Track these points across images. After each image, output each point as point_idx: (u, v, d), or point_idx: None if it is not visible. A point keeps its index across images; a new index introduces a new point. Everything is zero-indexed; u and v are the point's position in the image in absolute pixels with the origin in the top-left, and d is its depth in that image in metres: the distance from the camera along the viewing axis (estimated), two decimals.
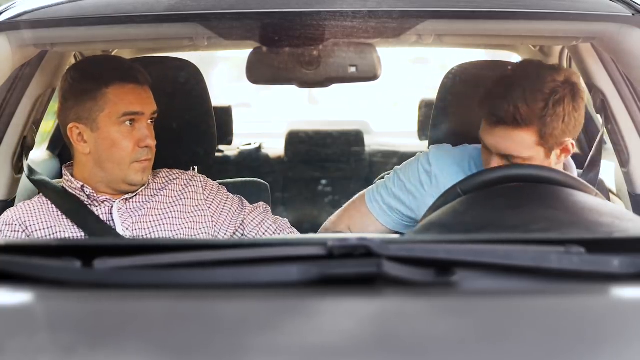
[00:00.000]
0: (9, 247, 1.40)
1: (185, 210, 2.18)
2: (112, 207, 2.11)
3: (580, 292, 1.24)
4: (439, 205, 1.76)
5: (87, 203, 2.11)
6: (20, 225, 2.08)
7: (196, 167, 2.67)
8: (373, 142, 4.15)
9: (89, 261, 1.23)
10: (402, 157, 2.27)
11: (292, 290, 1.19)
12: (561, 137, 2.01)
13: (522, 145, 1.97)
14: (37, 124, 2.41)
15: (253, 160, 3.68)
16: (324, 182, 3.66)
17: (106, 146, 2.08)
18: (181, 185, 2.21)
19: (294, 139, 3.86)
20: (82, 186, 2.11)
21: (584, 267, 1.24)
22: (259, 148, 3.83)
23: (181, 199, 2.19)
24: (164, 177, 2.23)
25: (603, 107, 2.40)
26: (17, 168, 2.33)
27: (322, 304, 1.18)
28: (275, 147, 3.93)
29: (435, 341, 1.08)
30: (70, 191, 2.12)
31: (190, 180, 2.23)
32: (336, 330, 1.09)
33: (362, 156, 3.83)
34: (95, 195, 2.11)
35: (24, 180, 2.45)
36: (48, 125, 3.24)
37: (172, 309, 1.18)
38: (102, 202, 2.12)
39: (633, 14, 1.87)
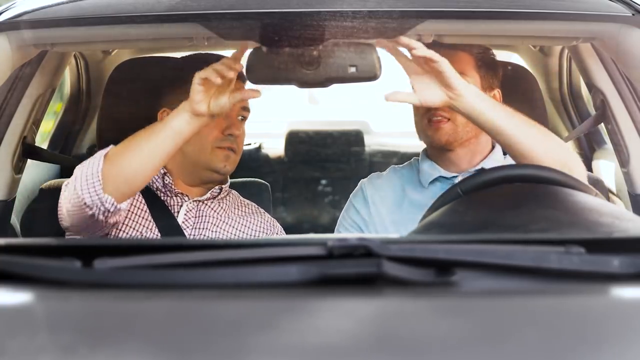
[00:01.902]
0: (9, 247, 1.40)
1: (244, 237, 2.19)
2: (182, 205, 2.12)
3: (580, 292, 1.24)
4: (439, 205, 1.76)
5: (157, 190, 2.10)
6: None
7: None
8: (373, 142, 4.14)
9: (89, 261, 1.23)
10: (402, 157, 2.28)
11: (292, 290, 1.19)
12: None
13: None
14: (37, 124, 2.41)
15: (253, 160, 3.68)
16: (324, 182, 3.66)
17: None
18: (252, 221, 2.22)
19: (294, 139, 3.86)
20: (165, 173, 2.12)
21: (584, 267, 1.24)
22: (259, 148, 3.83)
23: (247, 229, 2.20)
24: (239, 202, 2.23)
25: (603, 107, 2.40)
26: (17, 168, 2.33)
27: (322, 304, 1.18)
28: (275, 147, 3.93)
29: (435, 341, 1.08)
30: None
31: (269, 227, 2.24)
32: (336, 330, 1.09)
33: (362, 156, 3.83)
34: (171, 186, 2.12)
35: (24, 180, 2.45)
36: (48, 125, 3.24)
37: (172, 309, 1.18)
38: (176, 196, 2.12)
39: (633, 14, 1.87)
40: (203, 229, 2.14)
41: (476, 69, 2.16)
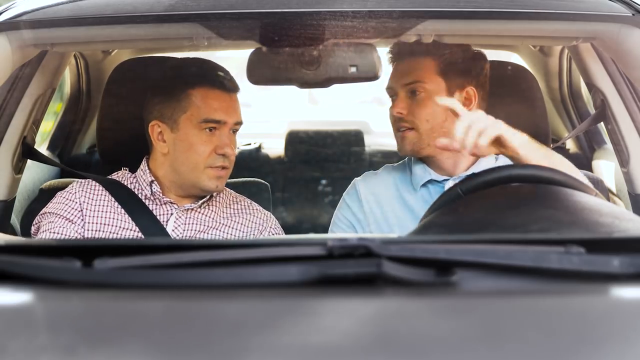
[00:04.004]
0: (9, 247, 1.40)
1: (237, 236, 2.16)
2: (171, 213, 2.10)
3: (580, 292, 1.24)
4: (439, 205, 1.76)
5: (146, 198, 2.09)
6: (78, 205, 2.07)
7: None
8: (373, 142, 4.14)
9: (89, 261, 1.23)
10: (401, 158, 2.27)
11: (292, 290, 1.19)
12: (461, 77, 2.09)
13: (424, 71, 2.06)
14: (37, 124, 2.41)
15: (253, 160, 3.68)
16: (324, 182, 3.66)
17: (183, 148, 2.05)
18: (244, 218, 2.20)
19: (294, 139, 3.86)
20: (152, 182, 2.10)
21: (584, 267, 1.24)
22: (259, 148, 3.82)
23: (238, 230, 2.18)
24: (230, 200, 2.21)
25: (603, 107, 2.40)
26: (17, 168, 2.33)
27: (322, 304, 1.18)
28: (275, 147, 3.93)
29: (435, 341, 1.08)
30: (136, 181, 2.11)
31: (263, 222, 2.22)
32: (336, 330, 1.09)
33: (362, 156, 3.83)
34: (160, 194, 2.09)
35: (24, 180, 2.45)
36: (48, 125, 3.24)
37: (172, 309, 1.18)
38: (164, 204, 2.10)
39: (633, 14, 1.87)
40: (193, 236, 2.11)
41: (439, 74, 2.12)
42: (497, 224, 1.58)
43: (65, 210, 2.08)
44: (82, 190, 2.11)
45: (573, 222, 1.58)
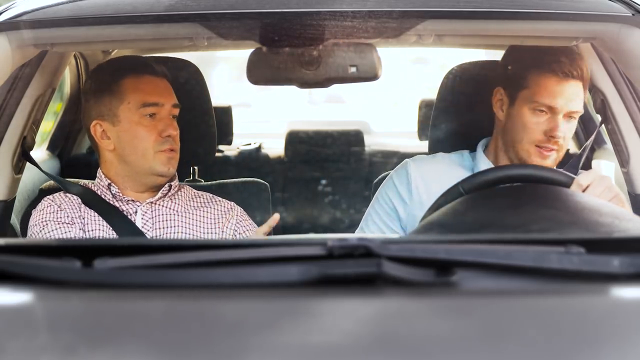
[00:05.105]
0: (9, 247, 1.40)
1: (205, 227, 2.18)
2: (136, 210, 2.12)
3: (580, 292, 1.24)
4: (439, 204, 1.76)
5: (111, 202, 2.12)
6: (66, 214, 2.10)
7: (196, 168, 2.67)
8: (373, 142, 4.14)
9: (89, 261, 1.23)
10: (402, 157, 2.27)
11: (292, 290, 1.19)
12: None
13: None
14: (37, 124, 2.41)
15: (253, 160, 3.68)
16: (324, 182, 3.66)
17: (129, 138, 2.09)
18: (210, 208, 2.21)
19: (294, 139, 3.86)
20: (109, 184, 2.12)
21: (584, 267, 1.24)
22: (258, 148, 3.82)
23: (206, 219, 2.19)
24: (192, 194, 2.23)
25: (603, 107, 2.40)
26: (17, 168, 2.33)
27: (322, 304, 1.18)
28: (275, 147, 3.93)
29: (435, 341, 1.08)
30: (98, 189, 2.14)
31: (228, 211, 2.23)
32: (336, 330, 1.09)
33: (362, 156, 3.83)
34: (120, 195, 2.12)
35: (24, 180, 2.45)
36: (48, 125, 3.24)
37: (172, 308, 1.18)
38: (127, 203, 2.12)
39: (633, 14, 1.87)
40: (164, 227, 2.13)
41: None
42: (498, 223, 1.58)
43: (55, 219, 2.10)
44: (56, 203, 2.13)
45: (573, 222, 1.58)
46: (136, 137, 2.09)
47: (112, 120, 2.11)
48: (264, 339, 1.08)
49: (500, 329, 1.12)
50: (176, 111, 2.15)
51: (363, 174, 3.73)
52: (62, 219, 2.10)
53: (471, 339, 1.09)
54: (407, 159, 2.25)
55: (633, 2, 1.90)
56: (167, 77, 2.17)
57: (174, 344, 1.09)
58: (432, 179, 2.17)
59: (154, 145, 2.09)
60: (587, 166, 3.01)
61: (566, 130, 2.10)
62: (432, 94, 2.79)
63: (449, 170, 2.19)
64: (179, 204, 2.19)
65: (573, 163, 2.25)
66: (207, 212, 2.22)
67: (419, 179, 2.18)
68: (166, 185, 2.16)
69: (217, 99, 3.11)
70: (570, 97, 2.09)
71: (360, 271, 1.19)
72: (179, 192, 2.22)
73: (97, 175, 2.19)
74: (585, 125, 3.02)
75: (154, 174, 2.11)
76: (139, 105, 2.09)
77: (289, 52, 2.10)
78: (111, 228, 2.09)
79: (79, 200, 2.14)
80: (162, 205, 2.16)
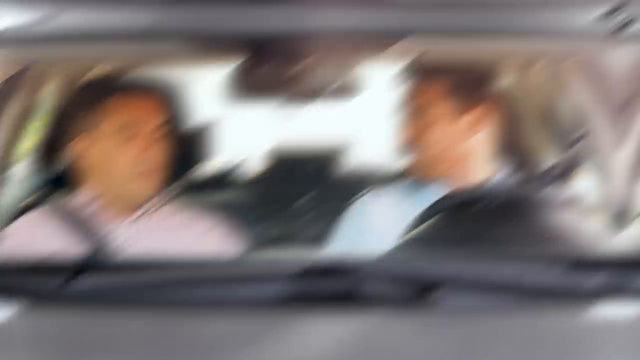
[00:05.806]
0: None
1: (186, 245, 2.16)
2: (116, 229, 2.10)
3: (561, 309, 1.24)
4: (421, 220, 1.76)
5: (91, 219, 2.09)
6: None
7: (178, 185, 2.66)
8: (354, 159, 4.14)
9: (70, 278, 1.22)
10: (384, 175, 2.27)
11: (269, 308, 1.19)
12: None
13: None
14: (18, 141, 2.40)
15: (233, 176, 3.68)
16: (305, 198, 3.65)
17: (109, 157, 2.07)
18: (194, 228, 2.19)
19: (275, 155, 3.86)
20: (89, 202, 2.10)
21: (565, 284, 1.24)
22: (240, 165, 3.82)
23: (186, 239, 2.17)
24: (168, 212, 2.21)
25: (582, 122, 2.42)
26: None
27: (299, 322, 1.18)
28: (255, 163, 3.93)
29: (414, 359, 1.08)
30: (78, 206, 2.12)
31: (210, 229, 2.21)
32: (314, 348, 1.09)
33: (344, 173, 3.83)
34: (100, 213, 2.10)
35: (4, 196, 2.43)
36: (29, 141, 3.22)
37: (150, 327, 1.17)
38: (107, 221, 2.10)
39: (612, 33, 1.88)
40: (144, 246, 2.11)
41: (449, 96, 2.12)
42: (480, 239, 1.58)
43: (34, 237, 2.08)
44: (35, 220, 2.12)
45: (555, 239, 1.59)
46: (116, 156, 2.07)
47: (93, 138, 2.09)
48: (242, 357, 1.07)
49: (481, 346, 1.12)
50: (158, 130, 2.13)
51: (345, 192, 3.72)
52: (41, 237, 2.09)
53: (452, 358, 1.08)
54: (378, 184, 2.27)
55: (612, 20, 1.92)
56: (150, 95, 2.15)
57: None
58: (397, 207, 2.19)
59: (134, 165, 2.07)
60: (567, 181, 3.03)
61: None
62: None
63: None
64: (159, 223, 2.18)
65: (551, 177, 2.26)
66: (189, 230, 2.20)
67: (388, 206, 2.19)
68: (147, 204, 2.15)
69: (199, 115, 3.10)
70: None
71: (338, 288, 1.19)
72: (160, 211, 2.20)
73: (77, 192, 2.18)
74: (565, 140, 3.03)
75: (134, 193, 2.10)
76: (120, 124, 2.07)
77: (272, 68, 2.10)
78: (91, 246, 2.07)
79: (59, 217, 2.12)
80: (143, 224, 2.15)
